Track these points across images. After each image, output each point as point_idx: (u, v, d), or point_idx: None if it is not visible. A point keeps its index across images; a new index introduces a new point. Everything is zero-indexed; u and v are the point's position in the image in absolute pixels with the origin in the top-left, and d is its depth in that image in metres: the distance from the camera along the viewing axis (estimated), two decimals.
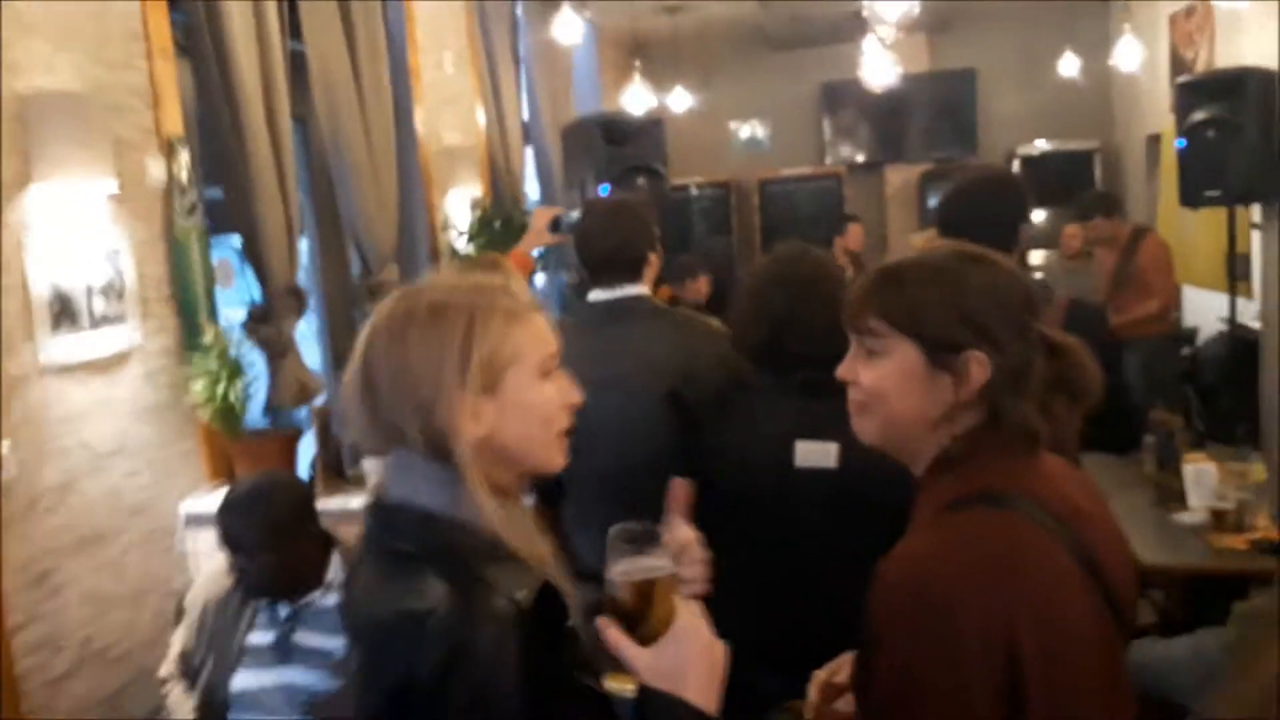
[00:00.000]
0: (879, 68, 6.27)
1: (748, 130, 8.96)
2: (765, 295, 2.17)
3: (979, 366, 1.26)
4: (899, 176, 8.66)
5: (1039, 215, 7.19)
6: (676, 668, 1.11)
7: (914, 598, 1.17)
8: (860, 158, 8.74)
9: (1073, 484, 1.34)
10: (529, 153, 5.99)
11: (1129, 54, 6.68)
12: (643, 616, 1.12)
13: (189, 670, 2.43)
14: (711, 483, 2.20)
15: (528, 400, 1.19)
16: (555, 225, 3.62)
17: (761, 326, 2.16)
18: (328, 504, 3.08)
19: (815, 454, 2.08)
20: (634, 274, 2.49)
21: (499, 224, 4.88)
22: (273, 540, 2.22)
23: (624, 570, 1.13)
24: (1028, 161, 8.08)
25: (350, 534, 2.95)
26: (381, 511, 1.21)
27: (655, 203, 4.43)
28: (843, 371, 1.36)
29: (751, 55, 8.56)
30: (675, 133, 5.87)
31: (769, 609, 2.06)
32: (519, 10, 6.01)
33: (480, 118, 5.37)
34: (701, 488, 2.21)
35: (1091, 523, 1.28)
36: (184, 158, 3.05)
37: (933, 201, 8.44)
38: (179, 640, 2.49)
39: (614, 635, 1.12)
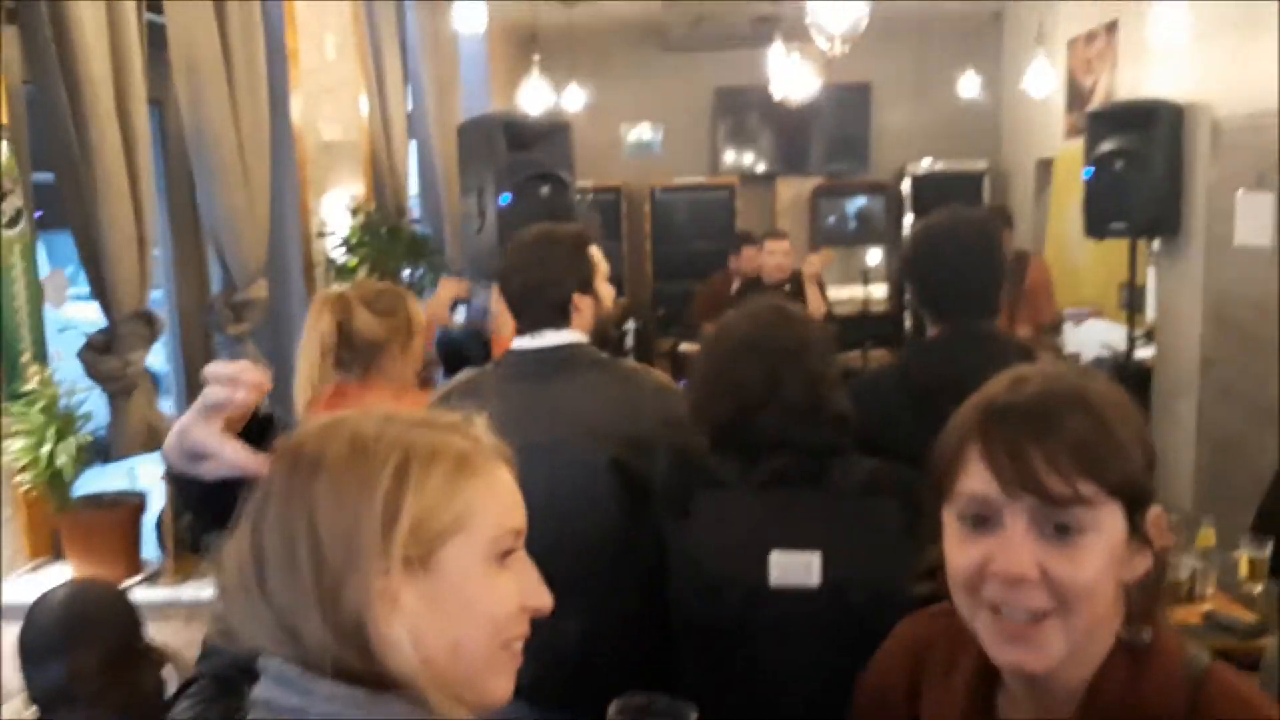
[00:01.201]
0: (800, 78, 5.91)
1: (638, 133, 8.56)
2: (736, 366, 1.79)
3: (1159, 526, 0.96)
4: (791, 190, 8.46)
5: None
6: None
7: None
8: (754, 168, 8.47)
9: None
10: (413, 150, 5.42)
11: (1041, 78, 6.61)
12: None
13: None
14: (668, 598, 1.82)
15: (469, 592, 0.84)
16: (456, 306, 3.16)
17: (729, 402, 1.79)
18: (179, 593, 2.51)
19: (795, 569, 1.71)
20: (558, 318, 2.10)
21: (385, 232, 4.31)
22: (106, 683, 1.73)
23: None
24: (917, 180, 8.00)
25: (183, 638, 2.41)
26: None
27: (558, 214, 3.98)
28: (1020, 568, 0.91)
29: (646, 55, 8.20)
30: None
31: None
32: None
33: (363, 108, 4.78)
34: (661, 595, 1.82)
35: None
36: (5, 150, 2.43)
37: (826, 218, 8.37)
38: None
39: None
